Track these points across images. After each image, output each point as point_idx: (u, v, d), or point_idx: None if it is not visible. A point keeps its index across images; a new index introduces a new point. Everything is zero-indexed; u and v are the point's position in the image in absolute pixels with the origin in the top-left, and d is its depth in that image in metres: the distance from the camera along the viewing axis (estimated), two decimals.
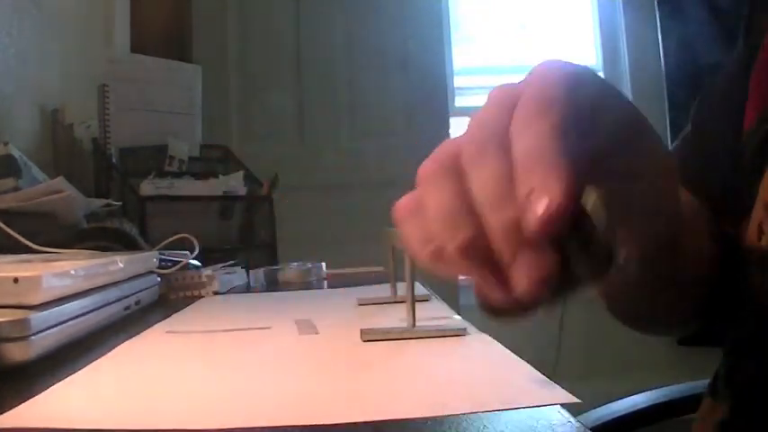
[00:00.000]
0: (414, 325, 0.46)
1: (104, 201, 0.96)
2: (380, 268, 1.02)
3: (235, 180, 1.20)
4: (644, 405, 0.74)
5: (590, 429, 0.71)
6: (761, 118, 0.43)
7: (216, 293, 0.79)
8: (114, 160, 1.15)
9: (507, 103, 0.26)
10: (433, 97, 2.17)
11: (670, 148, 0.52)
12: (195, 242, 0.80)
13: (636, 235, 0.32)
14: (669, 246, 0.38)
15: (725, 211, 0.48)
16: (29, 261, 0.57)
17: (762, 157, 0.42)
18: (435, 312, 0.57)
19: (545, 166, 0.23)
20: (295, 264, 0.97)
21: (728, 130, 0.47)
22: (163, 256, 0.75)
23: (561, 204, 0.22)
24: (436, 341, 0.45)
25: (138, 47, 1.73)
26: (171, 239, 0.81)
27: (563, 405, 0.29)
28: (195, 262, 0.82)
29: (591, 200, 0.23)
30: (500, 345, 0.42)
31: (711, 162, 0.50)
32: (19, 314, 0.39)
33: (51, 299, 0.43)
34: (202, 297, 0.77)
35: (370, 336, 0.45)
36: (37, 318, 0.40)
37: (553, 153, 0.23)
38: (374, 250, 0.80)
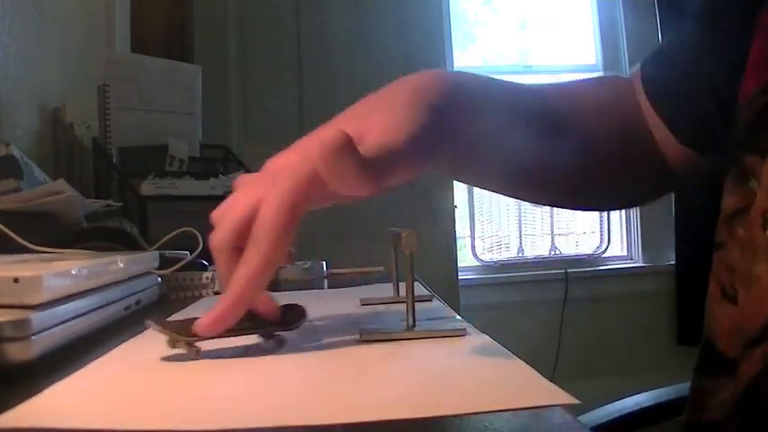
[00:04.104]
0: (413, 325, 0.46)
1: (105, 201, 0.96)
2: (381, 268, 1.02)
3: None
4: (647, 404, 0.74)
5: (591, 429, 0.71)
6: (760, 90, 0.43)
7: (216, 293, 0.79)
8: (114, 160, 1.16)
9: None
10: None
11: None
12: (199, 236, 0.79)
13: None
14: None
15: (690, 140, 0.52)
16: (29, 261, 0.57)
17: (756, 137, 0.42)
18: (435, 312, 0.57)
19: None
20: (295, 263, 0.97)
21: (716, 73, 0.48)
22: (166, 255, 0.75)
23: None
24: (436, 341, 0.45)
25: (138, 47, 1.73)
26: (173, 234, 0.81)
27: (563, 405, 0.29)
28: (202, 261, 0.81)
29: None
30: (500, 345, 0.42)
31: (685, 92, 0.52)
32: (20, 314, 0.39)
33: (52, 299, 0.43)
34: (203, 297, 0.77)
35: (369, 336, 0.45)
36: (38, 318, 0.40)
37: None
38: (375, 250, 0.80)
